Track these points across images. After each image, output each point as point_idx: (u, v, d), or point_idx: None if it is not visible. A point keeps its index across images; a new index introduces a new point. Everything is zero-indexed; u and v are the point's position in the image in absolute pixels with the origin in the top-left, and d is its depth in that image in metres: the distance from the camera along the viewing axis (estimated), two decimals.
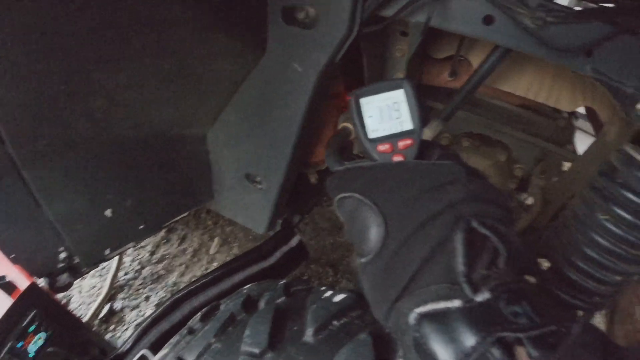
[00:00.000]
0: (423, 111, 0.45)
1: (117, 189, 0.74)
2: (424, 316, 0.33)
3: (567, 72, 0.79)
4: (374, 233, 0.38)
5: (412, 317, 0.33)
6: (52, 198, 0.63)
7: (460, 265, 0.34)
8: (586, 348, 0.30)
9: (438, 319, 0.32)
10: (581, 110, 1.04)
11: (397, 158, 0.43)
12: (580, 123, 1.21)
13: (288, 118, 0.79)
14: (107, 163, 0.71)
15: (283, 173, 0.86)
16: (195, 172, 0.93)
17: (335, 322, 0.48)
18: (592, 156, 0.76)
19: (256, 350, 0.43)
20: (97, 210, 0.72)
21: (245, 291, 0.60)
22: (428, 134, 0.81)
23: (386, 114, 0.44)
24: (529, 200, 1.02)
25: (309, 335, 0.46)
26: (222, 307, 0.59)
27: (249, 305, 0.55)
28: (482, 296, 0.32)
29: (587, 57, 0.58)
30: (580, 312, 0.57)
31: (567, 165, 0.92)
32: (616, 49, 0.56)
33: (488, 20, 0.61)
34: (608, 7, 0.60)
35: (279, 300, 0.54)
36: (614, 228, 0.49)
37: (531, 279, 0.49)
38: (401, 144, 0.43)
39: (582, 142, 0.99)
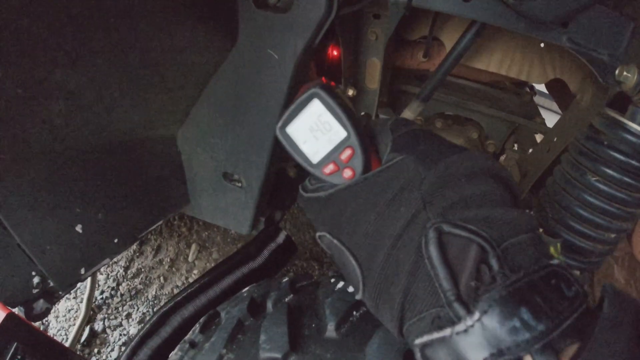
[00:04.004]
0: (349, 109, 0.40)
1: (86, 201, 0.68)
2: (425, 346, 0.31)
3: (535, 46, 0.81)
4: (353, 274, 0.36)
5: (415, 347, 0.32)
6: (18, 219, 0.57)
7: (444, 285, 0.30)
8: (618, 328, 0.28)
9: (439, 347, 0.30)
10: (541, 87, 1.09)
11: (348, 172, 0.39)
12: (537, 99, 1.28)
13: (266, 109, 0.76)
14: (72, 174, 0.64)
15: (264, 168, 0.83)
16: (167, 176, 0.87)
17: (355, 313, 0.46)
18: (567, 123, 0.79)
19: (278, 355, 0.40)
20: (66, 227, 0.65)
21: (246, 294, 0.57)
22: (409, 114, 0.81)
23: (317, 131, 0.40)
24: None
25: (331, 330, 0.43)
26: (223, 314, 0.55)
27: (255, 308, 0.52)
28: (475, 317, 0.29)
29: (563, 28, 0.59)
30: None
31: (540, 137, 0.96)
32: (590, 20, 0.58)
33: None
34: None
35: (287, 299, 0.51)
36: (605, 188, 0.51)
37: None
38: (343, 157, 0.39)
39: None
